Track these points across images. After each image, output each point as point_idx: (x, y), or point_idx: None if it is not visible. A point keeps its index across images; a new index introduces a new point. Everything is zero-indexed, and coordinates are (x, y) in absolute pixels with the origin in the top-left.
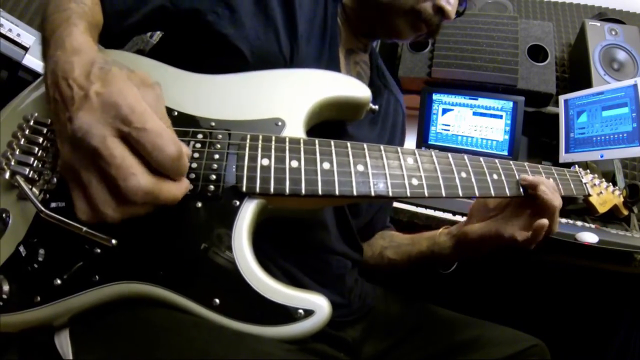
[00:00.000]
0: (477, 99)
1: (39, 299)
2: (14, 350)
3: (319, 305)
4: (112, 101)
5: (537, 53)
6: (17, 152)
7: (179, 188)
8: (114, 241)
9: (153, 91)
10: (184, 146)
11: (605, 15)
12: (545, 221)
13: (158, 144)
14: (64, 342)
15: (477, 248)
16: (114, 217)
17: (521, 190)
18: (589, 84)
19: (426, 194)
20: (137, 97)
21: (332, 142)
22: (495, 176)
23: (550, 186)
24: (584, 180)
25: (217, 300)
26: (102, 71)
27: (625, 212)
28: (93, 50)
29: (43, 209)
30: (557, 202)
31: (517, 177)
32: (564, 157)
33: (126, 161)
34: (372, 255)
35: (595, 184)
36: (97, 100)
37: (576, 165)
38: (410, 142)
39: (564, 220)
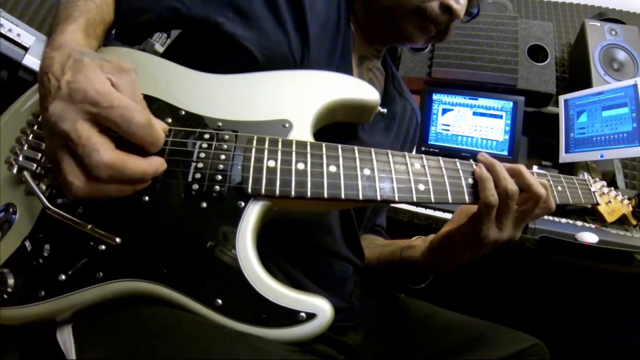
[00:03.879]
0: (477, 99)
1: (43, 293)
2: (14, 349)
3: (322, 308)
4: (80, 87)
5: (537, 53)
6: (25, 148)
7: (149, 164)
8: (117, 239)
9: (128, 76)
10: (157, 121)
11: (605, 15)
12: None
13: (126, 116)
14: (67, 339)
15: (449, 251)
16: (85, 190)
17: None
18: (589, 84)
19: (432, 199)
20: (103, 81)
21: (339, 146)
22: None
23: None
24: (592, 189)
25: (220, 301)
26: (75, 62)
27: (634, 222)
28: (75, 44)
29: (49, 205)
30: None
31: None
32: (564, 157)
33: (91, 139)
34: None
35: (604, 193)
36: (67, 89)
37: (585, 173)
38: None
39: (564, 220)
